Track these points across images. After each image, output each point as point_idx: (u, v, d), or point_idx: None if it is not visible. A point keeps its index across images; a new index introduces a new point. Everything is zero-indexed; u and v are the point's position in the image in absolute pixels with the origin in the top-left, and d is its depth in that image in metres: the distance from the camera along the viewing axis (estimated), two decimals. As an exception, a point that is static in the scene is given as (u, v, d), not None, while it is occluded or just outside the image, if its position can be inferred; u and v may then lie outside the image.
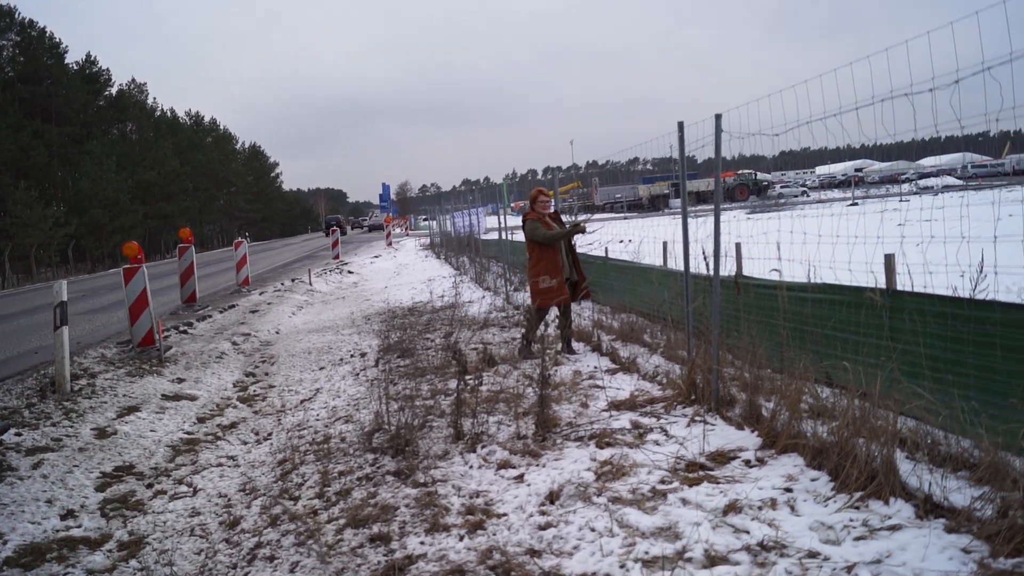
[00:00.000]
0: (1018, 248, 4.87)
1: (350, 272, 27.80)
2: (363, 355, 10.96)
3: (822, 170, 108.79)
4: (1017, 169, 68.82)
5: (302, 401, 8.83)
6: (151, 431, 8.00)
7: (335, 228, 37.05)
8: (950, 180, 63.83)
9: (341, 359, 10.97)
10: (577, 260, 9.55)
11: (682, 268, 7.48)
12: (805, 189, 76.27)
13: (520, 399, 7.16)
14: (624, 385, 7.53)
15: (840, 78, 5.16)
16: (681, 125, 7.05)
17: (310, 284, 22.47)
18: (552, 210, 9.71)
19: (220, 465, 7.00)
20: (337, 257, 34.20)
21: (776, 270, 6.57)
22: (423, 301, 16.27)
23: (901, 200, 37.71)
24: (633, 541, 4.15)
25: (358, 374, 9.71)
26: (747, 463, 5.12)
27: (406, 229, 76.84)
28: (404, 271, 26.94)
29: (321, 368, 10.58)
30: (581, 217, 10.80)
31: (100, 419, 8.13)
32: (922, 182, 63.43)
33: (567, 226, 9.42)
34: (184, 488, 6.48)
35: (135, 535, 5.56)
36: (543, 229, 9.17)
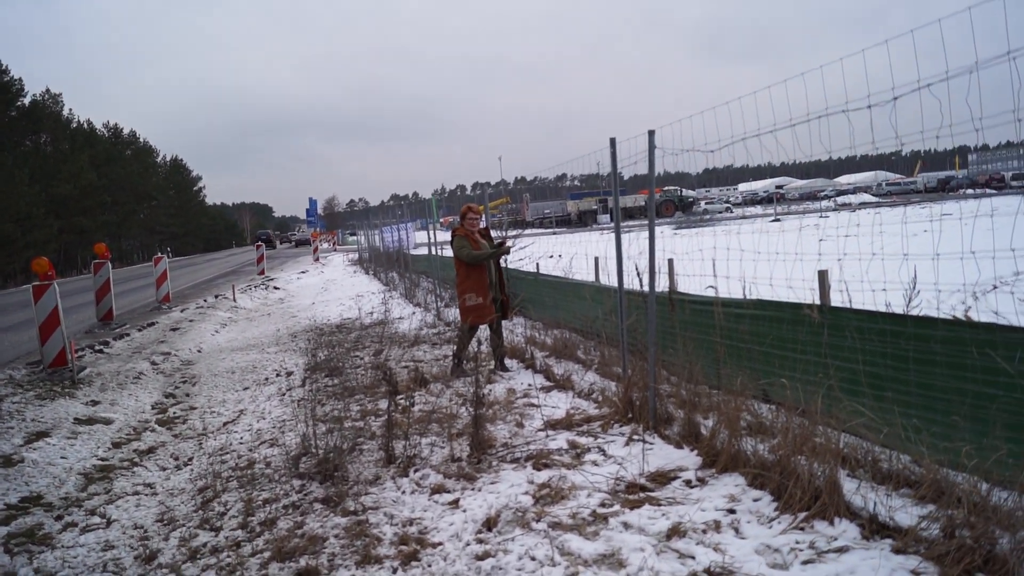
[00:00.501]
0: (947, 265, 4.89)
1: (276, 288, 27.16)
2: (289, 374, 10.59)
3: (744, 187, 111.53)
4: (928, 187, 71.60)
5: (225, 424, 8.44)
6: (62, 458, 7.52)
7: (259, 244, 36.19)
8: (866, 197, 66.06)
9: (266, 379, 10.59)
10: (503, 278, 9.44)
11: (615, 284, 7.41)
12: (729, 205, 77.92)
13: (454, 419, 6.95)
14: (559, 403, 7.39)
15: (774, 95, 5.14)
16: (613, 141, 6.97)
17: (234, 300, 21.84)
18: (483, 226, 9.60)
19: (136, 493, 6.60)
20: (262, 273, 33.43)
21: (712, 287, 6.53)
22: (351, 318, 15.92)
23: (821, 216, 38.69)
24: (576, 570, 3.98)
25: (284, 394, 9.36)
26: (688, 483, 5.01)
27: (334, 244, 75.61)
28: (332, 287, 26.43)
29: (245, 388, 10.18)
30: (511, 233, 10.68)
31: (6, 446, 7.62)
32: (840, 199, 65.49)
33: (495, 243, 9.32)
34: (97, 519, 6.07)
35: (42, 572, 5.15)
36: (470, 248, 9.01)
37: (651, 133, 6.05)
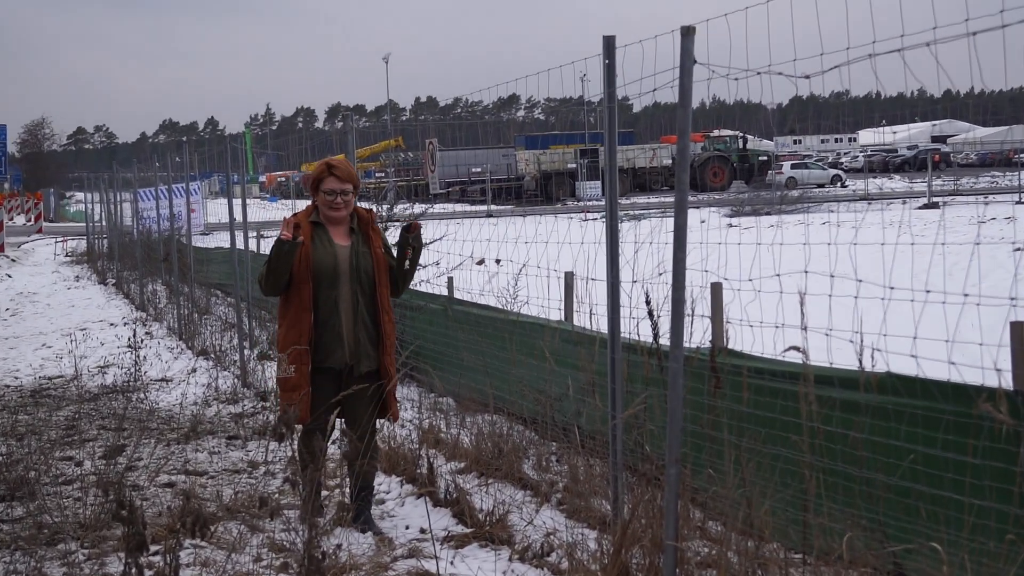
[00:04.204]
0: None
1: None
2: (-74, 493, 10.36)
3: (870, 137, 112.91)
4: None
5: None
6: None
7: None
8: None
9: None
10: (384, 321, 8.70)
11: (604, 329, 7.37)
12: (839, 173, 78.55)
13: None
14: (483, 574, 7.32)
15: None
16: (610, 43, 6.97)
17: None
18: (365, 207, 9.21)
19: None
20: None
21: (797, 348, 6.51)
22: (63, 376, 15.74)
23: (1021, 202, 39.07)
24: None
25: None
26: None
27: (38, 218, 74.77)
28: (27, 307, 26.12)
29: None
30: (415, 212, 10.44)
31: None
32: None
33: (397, 239, 8.85)
34: None
35: None
36: (280, 255, 8.31)
37: (687, 32, 6.03)
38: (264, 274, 8.37)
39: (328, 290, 8.39)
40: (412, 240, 8.60)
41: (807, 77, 5.52)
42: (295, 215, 8.62)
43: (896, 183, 69.98)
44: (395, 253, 8.82)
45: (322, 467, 7.71)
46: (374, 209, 9.69)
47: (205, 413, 12.66)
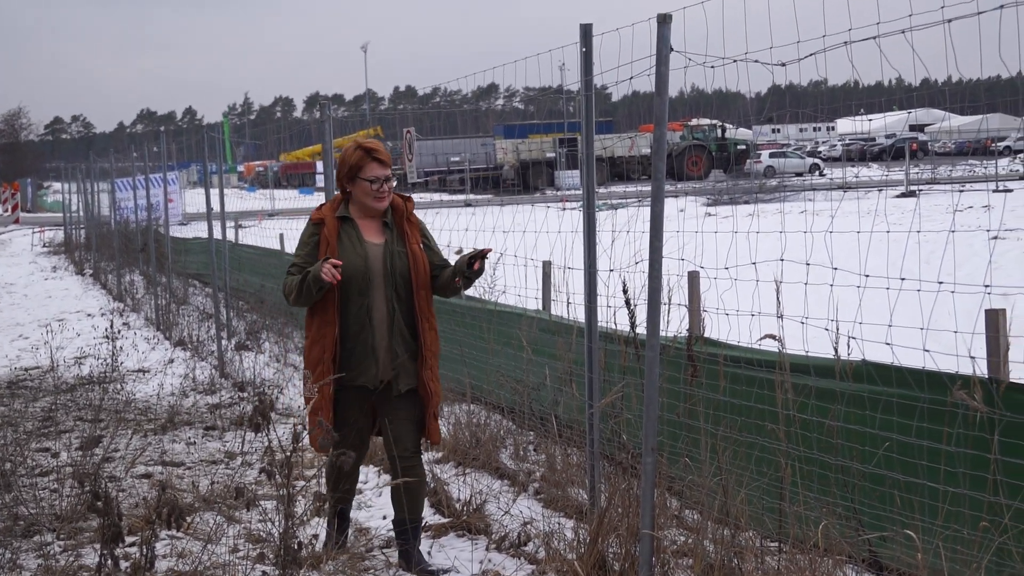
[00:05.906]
0: None
1: None
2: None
3: (849, 126, 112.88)
4: None
5: None
6: None
7: None
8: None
9: None
10: (427, 328, 7.70)
11: (581, 319, 7.35)
12: (817, 162, 78.58)
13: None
14: (460, 562, 7.34)
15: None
16: (587, 31, 6.97)
17: None
18: (409, 197, 7.86)
19: None
20: None
21: (773, 336, 6.51)
22: (39, 367, 15.84)
23: (996, 190, 39.02)
24: None
25: None
26: None
27: (14, 208, 74.51)
28: (3, 299, 26.02)
29: None
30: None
31: None
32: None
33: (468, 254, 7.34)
34: None
35: None
36: (302, 270, 7.22)
37: (663, 20, 6.03)
38: (292, 294, 7.28)
39: (358, 297, 7.32)
40: (471, 272, 7.39)
41: (783, 65, 5.54)
42: (319, 208, 7.70)
43: (874, 171, 69.93)
44: (450, 269, 7.62)
45: (351, 496, 7.59)
46: (412, 196, 7.99)
47: (182, 404, 12.66)
